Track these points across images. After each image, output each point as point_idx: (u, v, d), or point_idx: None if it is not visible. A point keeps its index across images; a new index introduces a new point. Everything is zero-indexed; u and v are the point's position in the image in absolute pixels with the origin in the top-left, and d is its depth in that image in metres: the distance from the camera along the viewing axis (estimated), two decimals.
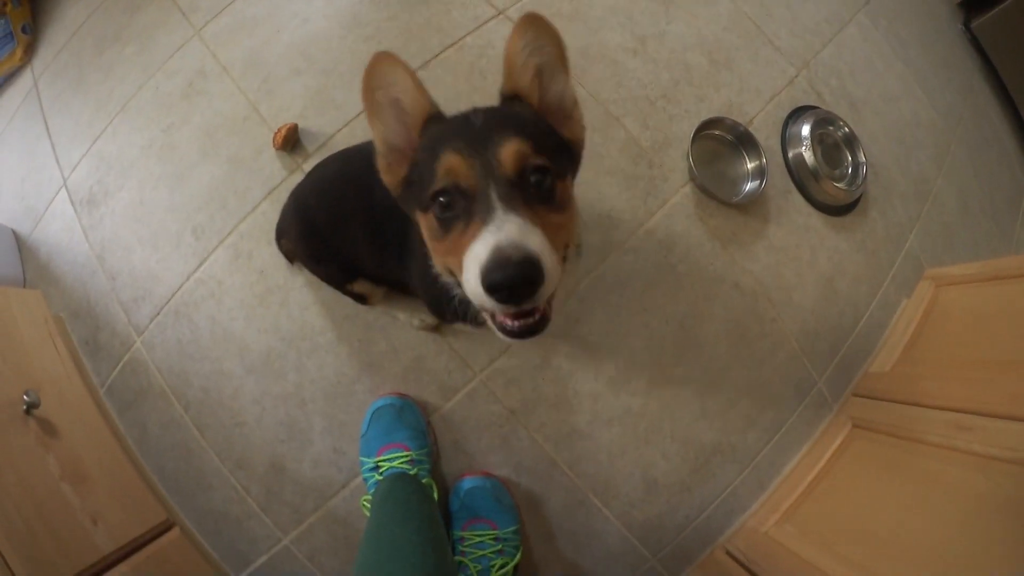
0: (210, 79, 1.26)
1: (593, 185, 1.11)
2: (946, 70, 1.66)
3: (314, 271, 1.00)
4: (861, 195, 1.27)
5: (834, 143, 1.27)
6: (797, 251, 1.19)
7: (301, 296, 1.08)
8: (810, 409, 1.16)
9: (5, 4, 1.59)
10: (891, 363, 1.18)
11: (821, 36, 1.36)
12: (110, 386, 1.22)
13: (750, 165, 1.16)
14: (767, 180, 1.14)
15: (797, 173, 1.21)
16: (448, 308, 0.69)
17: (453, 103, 1.13)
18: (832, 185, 1.20)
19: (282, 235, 1.05)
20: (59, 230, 1.34)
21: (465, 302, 0.64)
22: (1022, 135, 1.88)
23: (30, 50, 1.61)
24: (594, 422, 1.06)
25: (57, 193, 1.37)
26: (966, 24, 1.87)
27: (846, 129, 1.26)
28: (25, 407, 1.02)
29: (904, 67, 1.50)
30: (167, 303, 1.16)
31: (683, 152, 1.13)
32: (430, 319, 1.02)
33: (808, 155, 1.20)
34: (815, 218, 1.22)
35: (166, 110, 1.28)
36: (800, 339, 1.16)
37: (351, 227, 0.84)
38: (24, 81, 1.57)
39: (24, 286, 1.41)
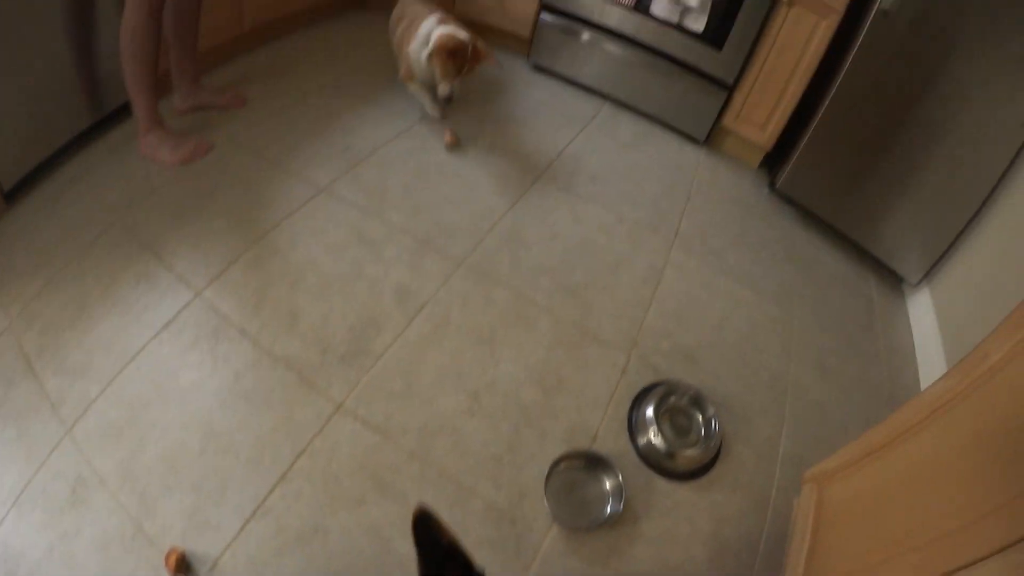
0: (91, 488, 1.22)
1: None
2: (765, 249, 1.84)
3: None
4: (720, 444, 1.37)
5: (681, 409, 1.37)
6: (675, 530, 1.26)
7: None
8: None
9: None
10: None
11: (641, 302, 1.50)
12: None
13: (608, 484, 1.24)
14: (626, 494, 1.22)
15: (652, 459, 1.30)
16: None
17: (309, 526, 1.17)
18: (686, 455, 1.30)
19: None
20: None
21: None
22: (855, 255, 2.05)
23: None
24: None
25: None
26: (771, 185, 2.10)
27: (690, 393, 1.37)
28: None
29: (726, 279, 1.66)
30: None
31: (539, 496, 1.20)
32: None
33: (657, 440, 1.29)
34: (682, 490, 1.30)
35: (57, 516, 1.21)
36: None
37: None
38: None
39: None
